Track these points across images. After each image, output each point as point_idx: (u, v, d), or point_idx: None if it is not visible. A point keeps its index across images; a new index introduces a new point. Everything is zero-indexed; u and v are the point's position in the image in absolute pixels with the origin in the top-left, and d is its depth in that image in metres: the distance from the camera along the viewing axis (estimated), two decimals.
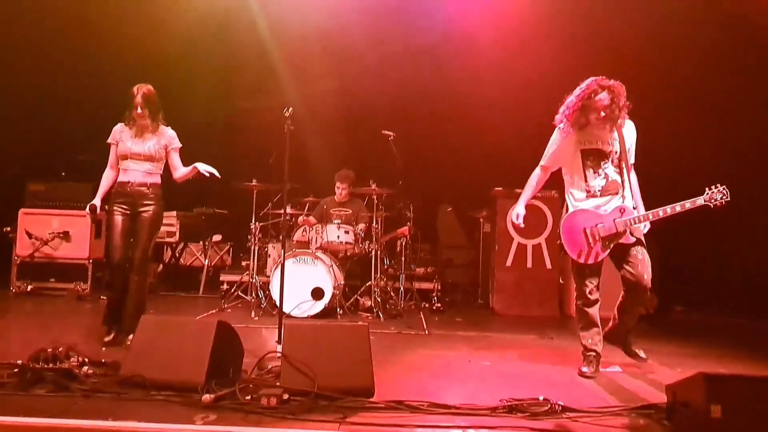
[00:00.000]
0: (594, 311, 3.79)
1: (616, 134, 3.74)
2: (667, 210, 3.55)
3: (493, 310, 6.52)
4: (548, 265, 6.43)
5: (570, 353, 4.44)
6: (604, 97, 3.63)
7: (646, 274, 3.63)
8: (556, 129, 3.86)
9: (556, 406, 2.88)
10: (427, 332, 5.11)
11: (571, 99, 3.74)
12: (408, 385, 3.32)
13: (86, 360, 3.18)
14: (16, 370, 3.02)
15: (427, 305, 6.35)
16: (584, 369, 3.72)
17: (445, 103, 7.67)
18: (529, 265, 6.45)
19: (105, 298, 4.52)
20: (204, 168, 4.21)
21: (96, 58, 6.91)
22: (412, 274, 6.51)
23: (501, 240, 6.51)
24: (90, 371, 3.10)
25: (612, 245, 3.68)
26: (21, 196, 6.72)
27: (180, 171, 4.34)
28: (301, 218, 6.32)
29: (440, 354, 4.30)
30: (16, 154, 7.13)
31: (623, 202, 3.70)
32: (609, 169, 3.73)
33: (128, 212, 4.20)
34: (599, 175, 3.73)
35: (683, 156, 6.55)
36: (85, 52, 6.87)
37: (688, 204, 3.51)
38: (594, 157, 3.75)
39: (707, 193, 3.50)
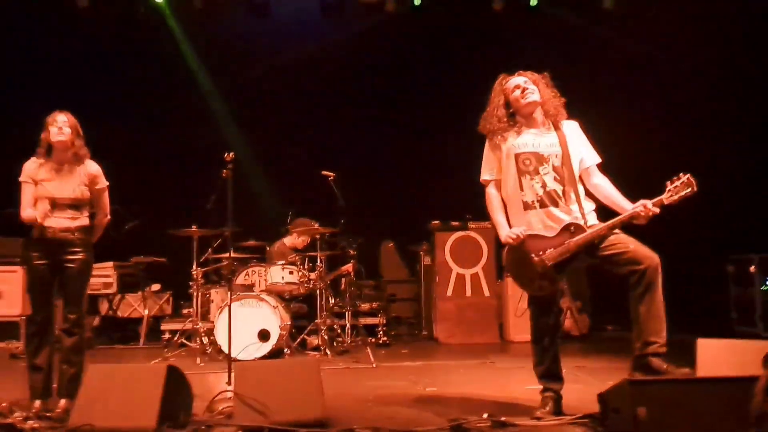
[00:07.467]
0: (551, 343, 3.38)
1: (555, 136, 3.28)
2: (625, 218, 3.11)
3: (437, 339, 6.70)
4: (486, 293, 6.68)
5: (510, 374, 4.69)
6: (517, 80, 3.31)
7: (632, 244, 3.11)
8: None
9: (499, 422, 3.07)
10: (374, 365, 5.22)
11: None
12: (358, 413, 3.42)
13: (31, 414, 3.11)
14: None
15: (373, 340, 6.45)
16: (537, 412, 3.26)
17: (382, 141, 7.98)
18: (469, 294, 6.68)
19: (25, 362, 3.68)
20: None
21: (20, 109, 6.79)
22: (358, 310, 6.62)
23: (441, 271, 6.73)
24: (36, 425, 3.04)
25: (567, 268, 3.22)
26: None
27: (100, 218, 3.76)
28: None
29: (388, 384, 4.41)
30: None
31: (570, 216, 3.20)
32: (548, 176, 3.24)
33: (51, 263, 3.58)
34: (536, 182, 3.24)
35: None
36: (13, 103, 6.75)
37: (648, 204, 3.06)
38: (530, 161, 3.26)
39: (669, 189, 3.07)
